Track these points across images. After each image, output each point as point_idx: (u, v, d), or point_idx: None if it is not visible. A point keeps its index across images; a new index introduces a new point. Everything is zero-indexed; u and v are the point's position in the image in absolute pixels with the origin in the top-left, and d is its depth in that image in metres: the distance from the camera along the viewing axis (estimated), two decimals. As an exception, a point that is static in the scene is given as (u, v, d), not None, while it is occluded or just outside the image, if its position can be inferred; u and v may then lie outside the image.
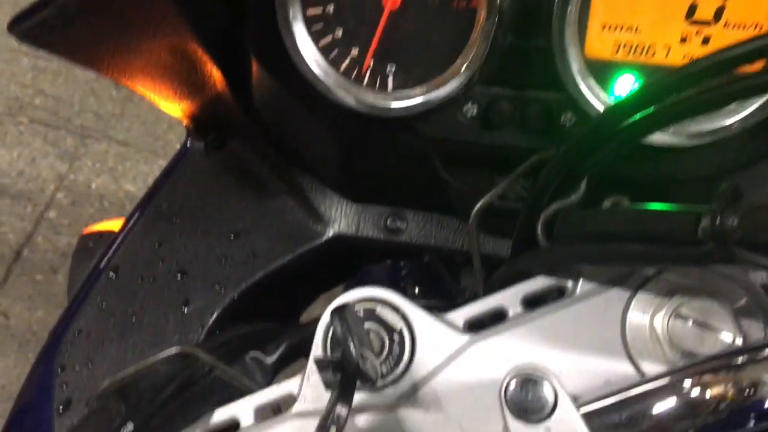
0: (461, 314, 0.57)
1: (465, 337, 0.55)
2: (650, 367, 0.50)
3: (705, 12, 0.60)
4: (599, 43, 0.62)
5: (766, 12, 0.59)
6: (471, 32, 0.64)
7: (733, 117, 0.61)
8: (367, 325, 0.56)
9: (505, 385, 0.43)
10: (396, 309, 0.56)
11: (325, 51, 0.67)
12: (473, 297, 0.58)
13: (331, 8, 0.67)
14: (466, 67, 0.64)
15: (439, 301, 0.67)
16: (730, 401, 0.42)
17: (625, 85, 0.63)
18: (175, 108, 0.90)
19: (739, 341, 0.48)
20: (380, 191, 0.82)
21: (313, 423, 0.52)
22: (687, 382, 0.42)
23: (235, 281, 0.83)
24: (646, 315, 0.52)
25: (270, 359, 0.64)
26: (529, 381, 0.43)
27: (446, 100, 0.66)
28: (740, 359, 0.44)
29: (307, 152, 0.82)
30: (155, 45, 0.73)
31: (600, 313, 0.53)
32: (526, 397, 0.42)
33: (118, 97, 2.66)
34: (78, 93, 2.67)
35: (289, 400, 0.58)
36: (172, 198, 0.90)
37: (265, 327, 0.69)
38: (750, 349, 0.45)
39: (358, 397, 0.54)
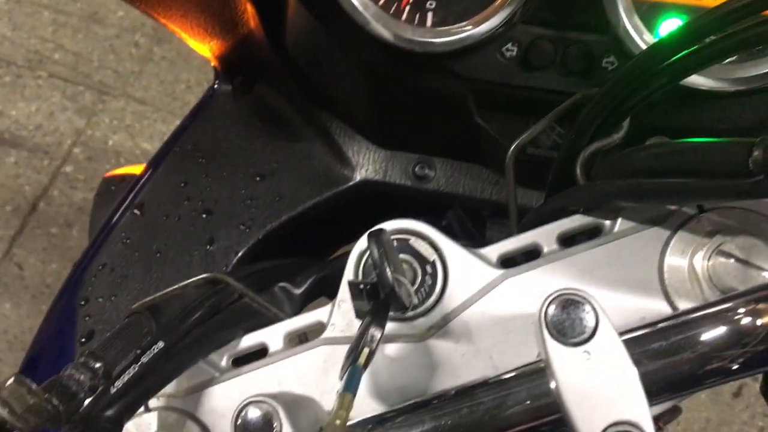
0: (495, 249, 0.56)
1: (498, 272, 0.55)
2: (687, 306, 0.50)
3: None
4: (647, -16, 0.61)
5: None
6: (514, -32, 0.63)
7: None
8: (401, 256, 0.56)
9: (545, 307, 0.42)
10: (429, 241, 0.56)
11: (364, -17, 0.66)
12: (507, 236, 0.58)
13: (372, -61, 0.65)
14: (507, 5, 0.63)
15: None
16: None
17: (671, 28, 0.62)
18: (205, 47, 0.89)
19: (783, 278, 0.47)
20: (409, 137, 0.82)
21: (343, 350, 0.52)
22: (740, 310, 0.41)
23: (260, 222, 0.83)
24: (686, 254, 0.51)
25: (298, 291, 0.64)
26: (570, 303, 0.42)
27: (486, 38, 0.64)
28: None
29: (338, 94, 0.82)
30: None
31: (638, 252, 0.53)
32: (566, 320, 0.42)
33: (137, 55, 2.65)
34: (98, 49, 2.66)
35: (318, 330, 0.58)
36: (198, 139, 0.89)
37: (293, 261, 0.69)
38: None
39: (389, 326, 0.53)
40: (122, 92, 2.60)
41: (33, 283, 2.30)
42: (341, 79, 0.79)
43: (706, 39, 0.49)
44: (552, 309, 0.42)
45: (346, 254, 0.58)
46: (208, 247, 0.83)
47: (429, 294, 0.55)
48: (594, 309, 0.42)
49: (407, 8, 0.66)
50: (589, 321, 0.42)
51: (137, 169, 1.05)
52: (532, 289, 0.53)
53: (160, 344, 0.53)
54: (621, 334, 0.43)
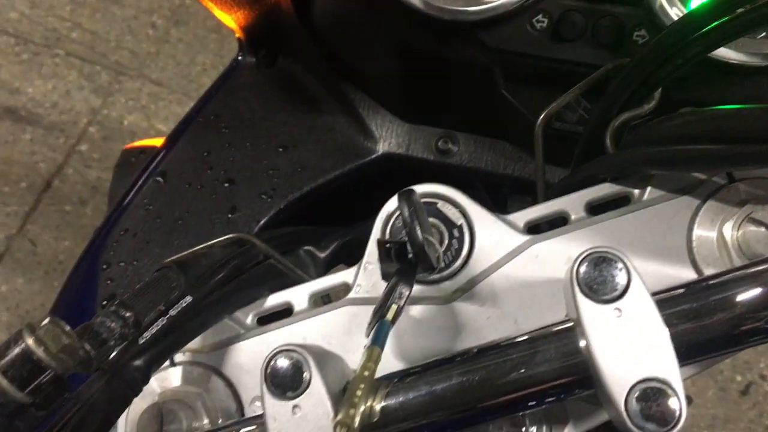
0: (522, 215, 0.57)
1: (525, 237, 0.55)
2: (715, 274, 0.50)
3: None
4: (681, -44, 0.61)
5: None
6: (546, -63, 0.63)
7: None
8: (429, 219, 0.56)
9: (577, 264, 0.42)
10: (457, 206, 0.56)
11: (395, -50, 0.66)
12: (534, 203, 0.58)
13: None
14: (539, -25, 0.63)
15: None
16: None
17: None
18: (230, 17, 0.89)
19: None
20: (433, 111, 0.82)
21: (368, 311, 0.52)
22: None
23: (282, 192, 0.83)
24: (715, 223, 0.51)
25: (322, 254, 0.64)
26: (603, 260, 0.42)
27: (516, 8, 0.64)
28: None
29: (364, 66, 0.82)
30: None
31: (667, 221, 0.53)
32: (598, 277, 0.42)
33: (154, 37, 2.66)
34: (115, 30, 2.67)
35: (342, 292, 0.58)
36: (221, 110, 0.90)
37: (318, 227, 0.70)
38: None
39: (414, 289, 0.53)
40: (138, 73, 2.61)
41: (46, 260, 2.32)
42: (368, 49, 0.79)
43: (738, 10, 0.49)
44: (584, 266, 0.43)
45: (372, 219, 0.58)
46: (230, 215, 0.83)
47: (455, 257, 0.55)
48: (626, 267, 0.42)
49: (438, -24, 0.66)
50: (621, 279, 0.42)
51: (157, 142, 1.05)
52: (559, 255, 0.53)
53: (188, 299, 0.54)
54: (652, 295, 0.43)
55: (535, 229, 0.57)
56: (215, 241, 0.60)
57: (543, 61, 0.67)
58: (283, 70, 0.91)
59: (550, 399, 0.45)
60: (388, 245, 0.50)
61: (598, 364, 0.41)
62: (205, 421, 0.54)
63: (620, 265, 0.42)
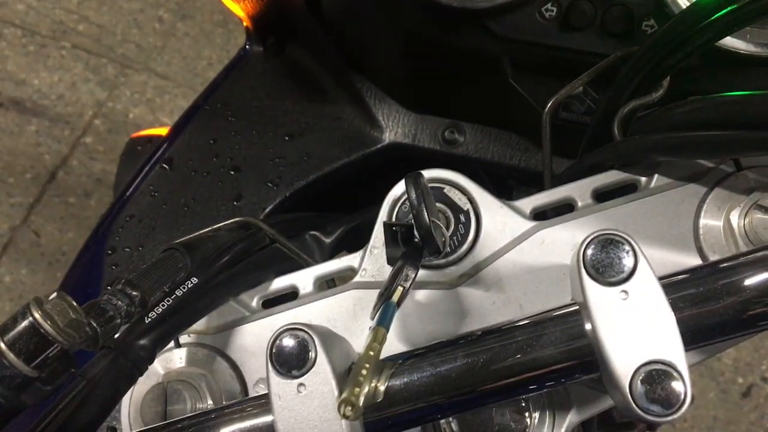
0: (529, 202, 0.57)
1: (531, 223, 0.55)
2: (721, 262, 0.49)
3: None
4: (691, -54, 0.61)
5: None
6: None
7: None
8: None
9: (584, 246, 0.42)
10: (464, 191, 0.56)
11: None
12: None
13: None
14: (550, -36, 0.63)
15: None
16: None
17: (714, -8, 0.61)
18: (238, 6, 0.89)
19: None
20: (440, 101, 0.82)
21: (373, 295, 0.52)
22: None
23: (288, 181, 0.83)
24: (722, 210, 0.51)
25: (328, 240, 0.64)
26: (610, 242, 0.42)
27: (526, -3, 0.64)
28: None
29: (372, 55, 0.82)
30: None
31: (673, 208, 0.53)
32: (605, 259, 0.42)
33: (160, 30, 2.66)
34: (121, 23, 2.67)
35: (347, 277, 0.58)
36: (228, 98, 0.90)
37: (324, 213, 0.70)
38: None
39: (420, 274, 0.54)
40: (144, 66, 2.61)
41: (49, 251, 2.32)
42: (377, 38, 0.79)
43: None
44: (591, 249, 0.43)
45: (378, 206, 0.58)
46: (235, 203, 0.83)
47: (461, 242, 0.55)
48: (633, 249, 0.42)
49: (448, -36, 0.66)
50: (628, 261, 0.42)
51: (163, 131, 1.06)
52: (565, 241, 0.53)
53: (194, 280, 0.54)
54: (659, 279, 0.43)
55: (541, 215, 0.57)
56: (222, 224, 0.60)
57: (551, 50, 0.67)
58: (291, 59, 0.91)
59: (554, 382, 0.45)
60: (394, 228, 0.50)
61: (603, 346, 0.41)
62: (209, 402, 0.54)
63: (627, 247, 0.42)
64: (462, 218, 0.55)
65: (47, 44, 2.61)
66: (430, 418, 0.47)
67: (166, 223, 0.82)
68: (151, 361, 0.50)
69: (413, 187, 0.49)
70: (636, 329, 0.41)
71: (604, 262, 0.42)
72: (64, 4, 2.69)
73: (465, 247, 0.55)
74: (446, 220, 0.55)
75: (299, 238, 0.63)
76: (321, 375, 0.44)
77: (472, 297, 0.54)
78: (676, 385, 0.40)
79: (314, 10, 0.82)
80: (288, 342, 0.44)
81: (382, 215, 0.56)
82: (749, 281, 0.42)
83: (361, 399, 0.40)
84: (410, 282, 0.47)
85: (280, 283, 0.58)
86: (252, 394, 0.56)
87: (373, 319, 0.46)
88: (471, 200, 0.56)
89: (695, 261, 0.51)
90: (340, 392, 0.43)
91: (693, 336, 0.43)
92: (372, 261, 0.56)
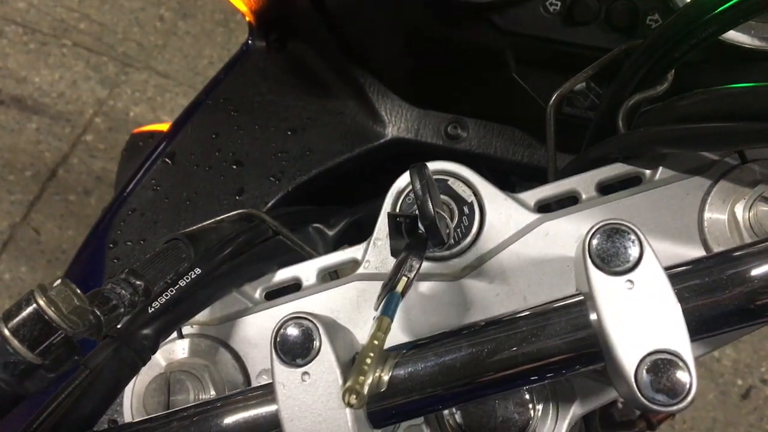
0: (533, 194, 0.57)
1: (535, 215, 0.55)
2: (726, 254, 0.49)
3: None
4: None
5: None
6: None
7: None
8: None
9: (590, 236, 0.42)
10: (468, 183, 0.56)
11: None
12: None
13: None
14: (554, -42, 0.63)
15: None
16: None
17: (718, -14, 0.61)
18: (241, 1, 0.89)
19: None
20: (443, 96, 0.82)
21: (376, 287, 0.52)
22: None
23: (290, 175, 0.83)
24: (727, 203, 0.51)
25: (331, 232, 0.64)
26: (616, 232, 0.42)
27: (530, -9, 0.64)
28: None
29: (375, 49, 0.82)
30: None
31: (678, 200, 0.53)
32: (611, 248, 0.42)
33: (161, 29, 2.66)
34: (123, 21, 2.67)
35: (351, 268, 0.58)
36: (230, 93, 0.90)
37: (327, 206, 0.70)
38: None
39: (423, 266, 0.53)
40: (145, 65, 2.61)
41: (49, 248, 2.32)
42: (380, 32, 0.79)
43: None
44: (596, 238, 0.42)
45: (381, 199, 0.58)
46: (237, 197, 0.83)
47: (465, 234, 0.55)
48: (639, 238, 0.42)
49: (452, -43, 0.66)
50: (634, 251, 0.42)
51: (165, 127, 1.05)
52: (569, 233, 0.53)
53: (197, 270, 0.54)
54: (665, 269, 0.43)
55: (545, 208, 0.57)
56: (225, 216, 0.60)
57: (555, 44, 0.66)
58: (293, 55, 0.91)
59: (558, 372, 0.45)
60: (398, 219, 0.50)
61: (608, 336, 0.41)
62: (212, 392, 0.54)
63: (633, 237, 0.42)
64: (466, 210, 0.55)
65: (48, 42, 2.61)
66: (434, 407, 0.47)
67: (168, 217, 0.82)
68: (154, 351, 0.50)
69: (418, 178, 0.49)
70: (641, 319, 0.41)
71: (609, 252, 0.42)
72: (66, 2, 2.69)
73: (469, 239, 0.55)
74: (450, 211, 0.55)
75: (302, 230, 0.63)
76: (325, 364, 0.43)
77: (476, 289, 0.54)
78: (682, 375, 0.40)
79: (317, 5, 0.82)
80: (292, 331, 0.44)
81: (386, 207, 0.56)
82: (755, 272, 0.42)
83: (366, 388, 0.40)
84: (414, 272, 0.47)
85: (283, 274, 0.58)
86: (255, 385, 0.55)
87: (376, 309, 0.46)
88: (475, 192, 0.56)
89: (700, 253, 0.51)
90: (345, 381, 0.43)
91: (698, 326, 0.43)
92: (375, 253, 0.56)
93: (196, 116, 0.89)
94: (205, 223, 0.60)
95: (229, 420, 0.45)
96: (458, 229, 0.55)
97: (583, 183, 0.56)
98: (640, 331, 0.41)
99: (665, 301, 0.41)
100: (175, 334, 0.57)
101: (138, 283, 0.49)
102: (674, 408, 0.40)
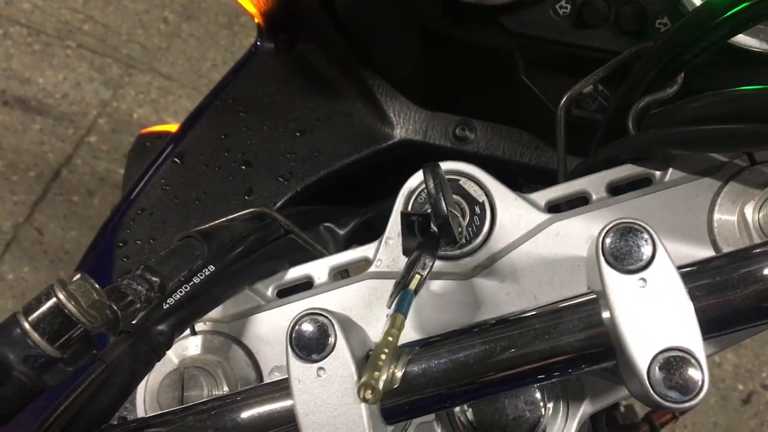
0: (543, 195, 0.57)
1: (546, 215, 0.55)
2: (735, 255, 0.50)
3: None
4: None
5: None
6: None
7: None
8: (450, 195, 0.56)
9: (603, 234, 0.43)
10: (479, 183, 0.57)
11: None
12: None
13: None
14: (564, -39, 0.64)
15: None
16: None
17: (727, -10, 0.62)
18: (250, 2, 0.90)
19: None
20: (452, 98, 0.82)
21: (388, 285, 0.53)
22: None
23: (299, 176, 0.84)
24: (736, 204, 0.52)
25: (342, 231, 0.65)
26: (629, 230, 0.43)
27: (540, -7, 0.65)
28: None
29: (384, 51, 0.82)
30: None
31: (688, 201, 0.53)
32: (624, 246, 0.42)
33: (165, 31, 2.67)
34: (127, 23, 2.68)
35: (363, 266, 0.58)
36: (239, 94, 0.91)
37: (338, 206, 0.70)
38: None
39: (435, 264, 0.54)
40: (149, 67, 2.62)
41: (52, 249, 2.32)
42: (389, 34, 0.79)
43: None
44: (610, 237, 0.43)
45: (392, 199, 0.59)
46: (246, 197, 0.84)
47: (476, 234, 0.56)
48: (652, 237, 0.42)
49: (463, -40, 0.66)
50: (647, 249, 0.42)
51: (172, 128, 1.06)
52: (580, 233, 0.54)
53: (211, 268, 0.54)
54: (677, 268, 0.43)
55: (555, 208, 0.57)
56: (237, 214, 0.61)
57: (565, 47, 0.67)
58: (302, 56, 0.91)
59: (570, 370, 0.45)
60: (411, 218, 0.50)
61: (621, 333, 0.42)
62: (225, 388, 0.54)
63: (646, 235, 0.42)
64: (477, 210, 0.56)
65: (52, 43, 2.61)
66: (447, 403, 0.47)
67: (177, 217, 0.83)
68: (169, 347, 0.51)
69: (431, 177, 0.49)
70: (654, 316, 0.42)
71: (622, 250, 0.43)
72: (70, 4, 2.69)
73: (480, 238, 0.55)
74: (462, 211, 0.56)
75: (313, 229, 0.64)
76: (341, 359, 0.44)
77: (487, 288, 0.54)
78: (694, 373, 0.40)
79: (326, 6, 0.83)
80: (308, 327, 0.45)
81: (398, 206, 0.56)
82: (767, 271, 0.42)
83: (381, 383, 0.41)
84: (427, 270, 0.47)
85: (295, 272, 0.59)
86: (267, 381, 0.56)
87: (389, 307, 0.46)
88: (486, 192, 0.56)
89: (709, 254, 0.52)
90: (360, 377, 0.44)
91: (710, 325, 0.43)
92: (387, 252, 0.56)
93: (205, 117, 0.90)
94: (217, 221, 0.61)
95: (245, 414, 0.45)
96: (469, 229, 0.56)
97: (594, 184, 0.56)
98: (652, 329, 0.41)
99: (678, 299, 0.42)
100: (188, 331, 0.57)
101: (154, 279, 0.49)
102: (686, 405, 0.40)
